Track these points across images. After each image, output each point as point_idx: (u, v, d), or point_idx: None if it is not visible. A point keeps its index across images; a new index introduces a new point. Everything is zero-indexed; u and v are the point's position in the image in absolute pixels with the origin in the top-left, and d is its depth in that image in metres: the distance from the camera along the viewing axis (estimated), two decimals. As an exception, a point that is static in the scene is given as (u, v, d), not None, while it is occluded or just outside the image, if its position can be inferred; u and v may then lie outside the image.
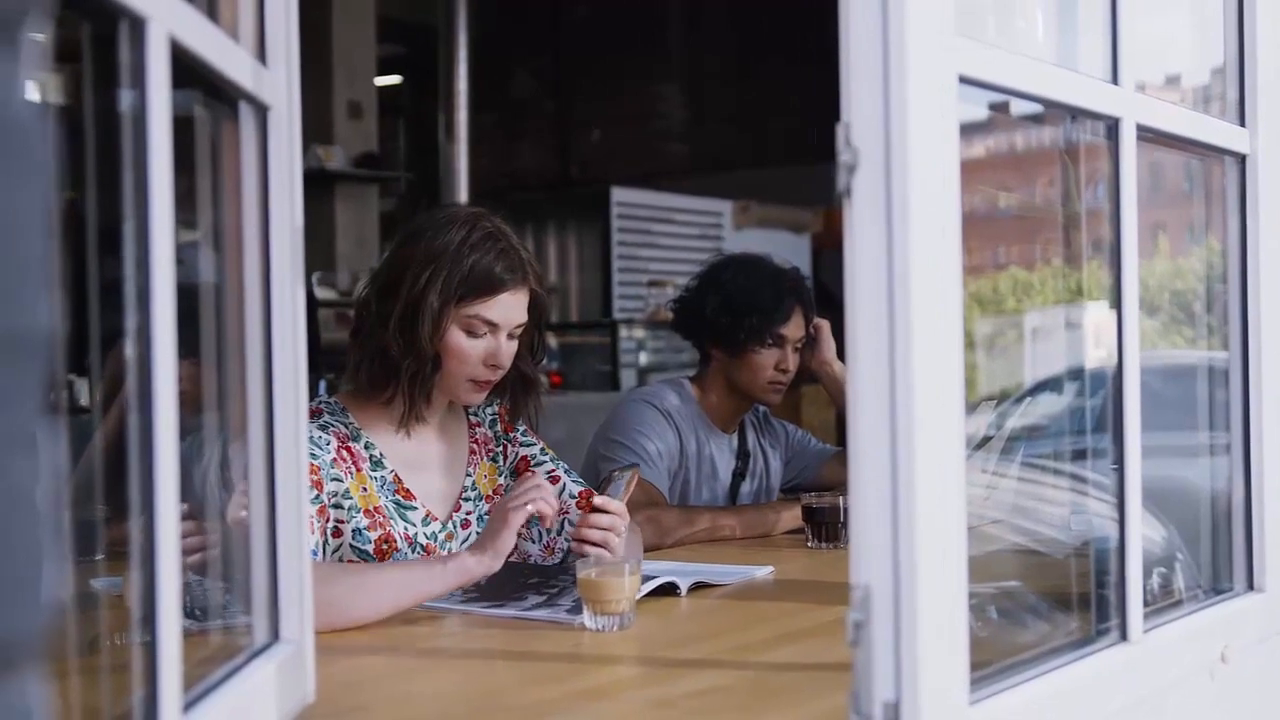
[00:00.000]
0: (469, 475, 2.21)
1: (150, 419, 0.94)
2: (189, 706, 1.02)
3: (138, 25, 0.93)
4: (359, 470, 2.06)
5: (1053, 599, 1.60)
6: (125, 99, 0.95)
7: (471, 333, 2.06)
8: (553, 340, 7.53)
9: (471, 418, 2.26)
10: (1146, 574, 1.49)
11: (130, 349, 0.95)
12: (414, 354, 2.04)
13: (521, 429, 2.29)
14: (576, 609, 1.81)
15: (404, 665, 1.66)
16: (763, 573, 2.23)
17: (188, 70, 1.04)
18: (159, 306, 0.95)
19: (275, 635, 1.29)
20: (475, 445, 2.24)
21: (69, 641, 1.06)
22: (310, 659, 1.34)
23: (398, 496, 2.09)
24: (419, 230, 2.08)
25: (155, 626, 0.95)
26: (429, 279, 2.02)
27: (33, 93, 0.55)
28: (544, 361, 2.25)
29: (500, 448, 2.27)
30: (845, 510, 2.52)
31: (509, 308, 2.07)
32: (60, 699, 0.93)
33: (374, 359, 2.08)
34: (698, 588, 2.06)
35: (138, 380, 0.94)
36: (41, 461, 0.53)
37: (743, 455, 3.01)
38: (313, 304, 4.65)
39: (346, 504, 2.02)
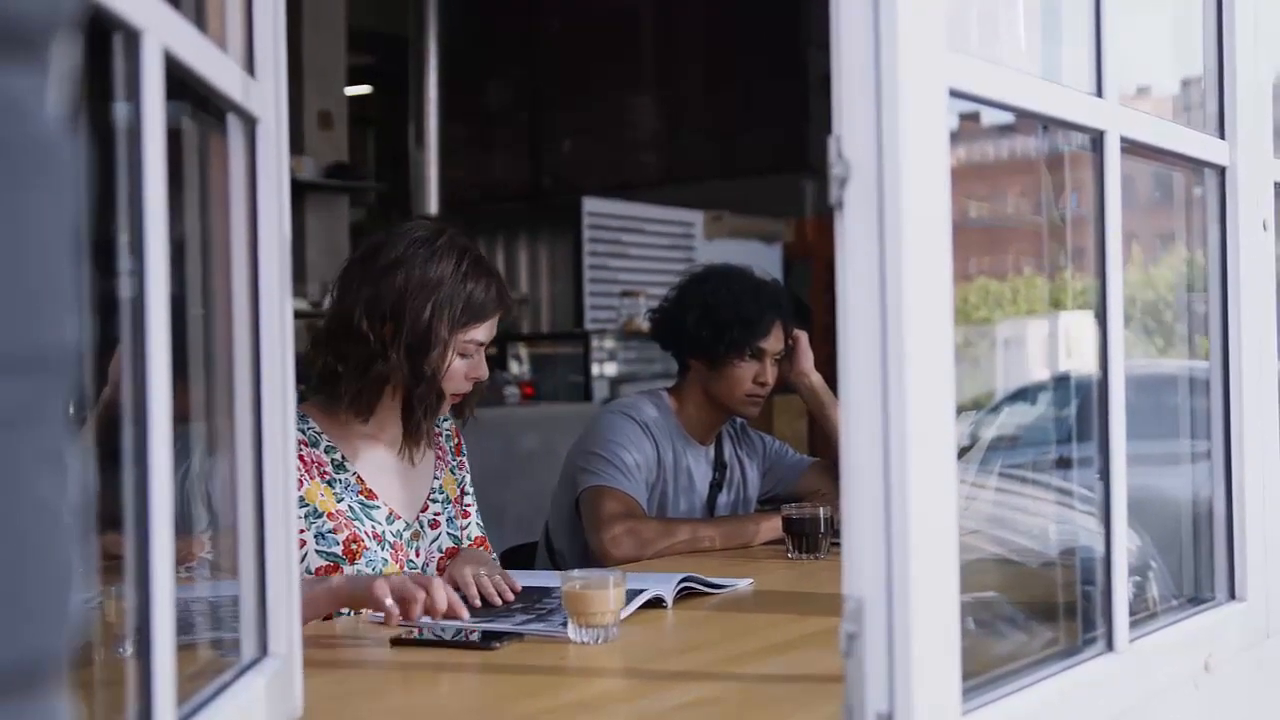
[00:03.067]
0: (436, 478, 2.30)
1: (145, 433, 0.93)
2: (181, 723, 1.01)
3: (132, 38, 0.93)
4: (319, 475, 2.12)
5: (1037, 609, 1.60)
6: (119, 110, 0.94)
7: (464, 354, 2.17)
8: (524, 351, 7.51)
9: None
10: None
11: (122, 362, 0.94)
12: (423, 382, 2.12)
13: (464, 455, 2.40)
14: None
15: (392, 679, 1.65)
16: (743, 584, 2.23)
17: (177, 82, 1.03)
18: (153, 318, 0.94)
19: (264, 650, 1.28)
20: (440, 451, 2.33)
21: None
22: (299, 674, 1.33)
23: (361, 497, 2.16)
24: (405, 258, 2.13)
25: (149, 644, 0.94)
26: (434, 310, 2.11)
27: (60, 109, 0.55)
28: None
29: (456, 461, 2.38)
30: (825, 521, 2.53)
31: (493, 327, 2.21)
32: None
33: (371, 384, 2.12)
34: (685, 595, 2.07)
35: (131, 393, 0.93)
36: (69, 478, 0.52)
37: (719, 467, 3.00)
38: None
39: (303, 510, 2.07)
